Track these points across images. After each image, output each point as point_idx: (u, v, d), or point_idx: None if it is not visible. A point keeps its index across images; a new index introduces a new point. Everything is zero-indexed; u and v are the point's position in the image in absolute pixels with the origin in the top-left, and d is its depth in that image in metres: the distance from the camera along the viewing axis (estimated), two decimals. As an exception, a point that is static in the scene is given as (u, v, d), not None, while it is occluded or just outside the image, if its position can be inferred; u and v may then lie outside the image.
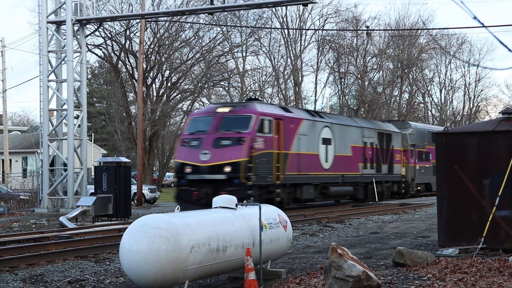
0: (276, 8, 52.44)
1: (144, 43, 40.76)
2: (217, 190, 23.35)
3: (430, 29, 66.69)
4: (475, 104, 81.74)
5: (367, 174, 34.16)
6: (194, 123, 26.27)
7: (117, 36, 47.07)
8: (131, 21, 43.77)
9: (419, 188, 41.72)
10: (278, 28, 55.79)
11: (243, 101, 37.36)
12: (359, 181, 33.44)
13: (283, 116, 27.25)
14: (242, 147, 24.49)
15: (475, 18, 6.32)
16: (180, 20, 44.75)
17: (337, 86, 64.69)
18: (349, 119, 36.75)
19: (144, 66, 44.21)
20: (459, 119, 79.53)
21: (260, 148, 25.15)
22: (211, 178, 24.27)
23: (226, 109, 26.12)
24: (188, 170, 24.80)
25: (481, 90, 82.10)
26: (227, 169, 24.26)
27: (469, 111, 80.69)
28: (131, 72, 48.51)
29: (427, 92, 77.22)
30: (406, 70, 68.54)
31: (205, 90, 51.87)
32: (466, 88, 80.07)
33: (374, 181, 34.75)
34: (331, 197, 32.21)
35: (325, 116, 32.31)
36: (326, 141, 30.40)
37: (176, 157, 27.20)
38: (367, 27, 59.03)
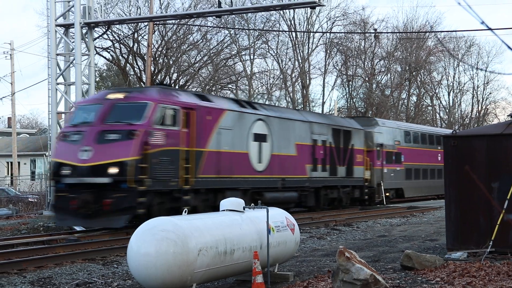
0: (284, 11, 52.48)
1: (152, 46, 40.85)
2: (100, 197, 18.90)
3: (438, 31, 66.63)
4: (484, 107, 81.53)
5: (318, 178, 28.99)
6: (79, 112, 21.13)
7: (125, 39, 47.23)
8: (139, 24, 43.85)
9: (387, 194, 36.40)
10: (285, 31, 55.84)
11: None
12: (307, 185, 28.19)
13: (196, 105, 21.81)
14: (132, 143, 19.27)
15: (482, 23, 6.30)
16: (188, 23, 44.88)
17: (345, 88, 64.71)
18: (294, 112, 31.07)
19: (152, 69, 44.30)
20: (468, 122, 79.31)
21: (159, 144, 19.98)
22: (92, 181, 19.11)
23: (119, 95, 20.91)
24: (65, 171, 19.59)
25: (490, 93, 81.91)
26: (113, 170, 19.01)
27: (477, 114, 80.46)
28: (139, 75, 48.62)
29: (435, 95, 77.08)
30: (414, 73, 68.45)
31: (212, 93, 51.96)
32: (475, 91, 79.91)
33: (325, 185, 29.83)
34: (268, 204, 27.52)
35: (259, 107, 26.71)
36: (260, 138, 25.24)
37: (52, 155, 22.56)
38: (375, 29, 59.02)
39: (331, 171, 30.15)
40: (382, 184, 35.57)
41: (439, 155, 41.66)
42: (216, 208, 20.57)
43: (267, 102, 53.69)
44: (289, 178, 26.93)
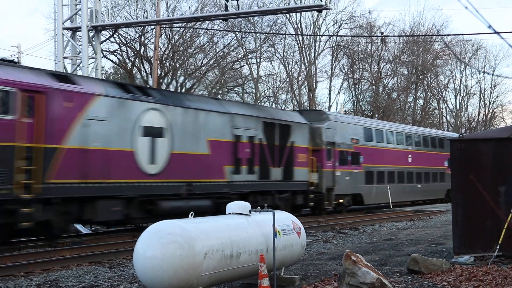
0: (290, 14, 52.52)
1: (159, 49, 40.89)
2: None
3: (445, 35, 66.51)
4: (491, 111, 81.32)
5: (242, 182, 23.98)
6: None
7: (132, 42, 47.33)
8: (146, 27, 43.96)
9: (341, 200, 31.20)
10: (292, 34, 55.88)
11: None
12: (226, 191, 23.10)
13: (45, 87, 16.87)
14: None
15: (490, 26, 6.30)
16: (195, 26, 44.94)
17: (351, 92, 64.66)
18: (209, 101, 24.89)
19: (159, 72, 44.35)
20: (474, 125, 79.11)
21: None
22: None
23: None
24: None
25: (497, 96, 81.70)
26: None
27: (484, 117, 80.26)
28: (145, 78, 48.70)
29: (442, 98, 76.93)
30: (420, 76, 68.34)
31: (219, 96, 51.96)
32: (482, 94, 79.70)
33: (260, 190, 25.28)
34: (167, 217, 19.28)
35: (155, 93, 21.52)
36: (153, 132, 20.28)
37: None
38: (382, 33, 59.01)
39: (261, 173, 25.07)
40: (334, 189, 30.47)
41: (410, 156, 38.45)
42: (87, 222, 19.77)
43: (267, 105, 53.71)
44: (199, 182, 21.75)
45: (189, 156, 21.58)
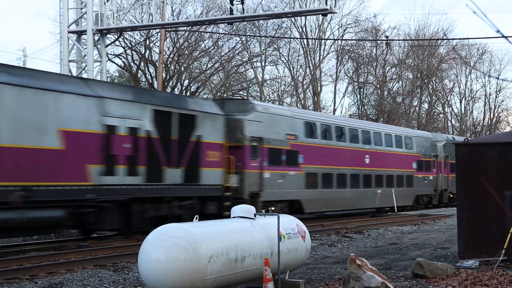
0: (295, 18, 52.56)
1: (164, 52, 40.99)
2: None
3: (450, 39, 66.49)
4: (496, 115, 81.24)
5: (118, 186, 18.87)
6: None
7: (137, 45, 47.43)
8: (151, 30, 44.03)
9: (272, 208, 25.09)
10: (297, 38, 55.89)
11: None
12: (92, 198, 18.10)
13: None
14: None
15: (498, 31, 6.29)
16: (200, 30, 45.02)
17: (356, 96, 64.68)
18: (64, 79, 19.18)
19: (164, 75, 44.45)
20: (480, 129, 79.00)
21: None
22: None
23: None
24: None
25: (502, 101, 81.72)
26: None
27: (489, 121, 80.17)
28: (150, 81, 48.78)
29: (447, 102, 76.86)
30: (425, 80, 68.30)
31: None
32: (487, 99, 79.62)
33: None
34: None
35: None
36: None
37: None
38: (387, 37, 59.04)
39: (149, 175, 19.98)
40: (261, 194, 25.00)
41: (368, 156, 32.87)
42: None
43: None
44: (43, 186, 16.64)
45: (27, 152, 16.28)
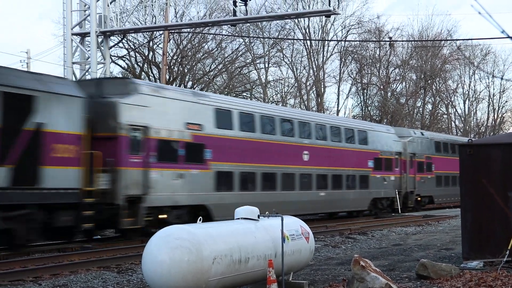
0: (299, 19, 52.58)
1: (167, 54, 41.02)
2: None
3: (454, 40, 66.41)
4: (500, 115, 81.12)
5: None
6: None
7: (140, 47, 47.49)
8: (155, 32, 44.10)
9: (162, 216, 20.35)
10: (300, 39, 55.90)
11: None
12: None
13: None
14: None
15: (503, 31, 6.28)
16: (203, 32, 45.06)
17: (360, 97, 64.63)
18: None
19: (167, 77, 44.48)
20: (483, 130, 78.88)
21: None
22: None
23: None
24: None
25: (506, 101, 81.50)
26: None
27: (493, 122, 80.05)
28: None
29: (450, 103, 76.77)
30: (429, 81, 68.24)
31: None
32: (490, 99, 79.51)
33: None
34: None
35: None
36: None
37: None
38: (390, 38, 58.99)
39: None
40: (144, 198, 19.79)
41: (307, 152, 27.89)
42: None
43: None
44: None
45: None
